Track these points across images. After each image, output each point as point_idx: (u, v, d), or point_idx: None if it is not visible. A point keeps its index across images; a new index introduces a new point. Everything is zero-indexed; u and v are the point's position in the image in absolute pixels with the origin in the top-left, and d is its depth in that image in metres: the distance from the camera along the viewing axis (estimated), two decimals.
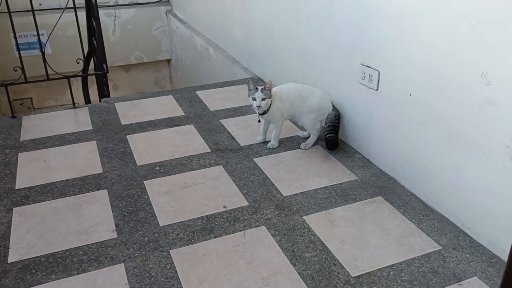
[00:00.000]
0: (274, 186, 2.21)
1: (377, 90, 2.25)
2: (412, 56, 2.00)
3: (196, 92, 3.42)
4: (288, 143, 2.62)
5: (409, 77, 2.04)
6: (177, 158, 2.48)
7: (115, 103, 3.22)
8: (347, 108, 2.53)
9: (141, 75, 6.48)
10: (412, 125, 2.06)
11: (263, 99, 2.33)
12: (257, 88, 2.35)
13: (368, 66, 2.28)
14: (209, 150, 2.57)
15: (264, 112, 2.42)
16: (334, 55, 2.58)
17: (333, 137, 2.49)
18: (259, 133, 2.71)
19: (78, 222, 1.96)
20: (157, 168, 2.40)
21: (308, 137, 2.64)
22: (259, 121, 2.55)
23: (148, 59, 6.26)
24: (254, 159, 2.47)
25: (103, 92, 3.78)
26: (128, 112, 3.08)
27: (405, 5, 1.97)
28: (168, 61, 6.47)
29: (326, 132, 2.51)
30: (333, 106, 2.53)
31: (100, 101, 3.40)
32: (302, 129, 2.71)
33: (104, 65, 3.43)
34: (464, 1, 1.69)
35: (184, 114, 3.04)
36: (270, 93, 2.36)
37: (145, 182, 2.27)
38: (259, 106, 2.34)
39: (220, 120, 2.94)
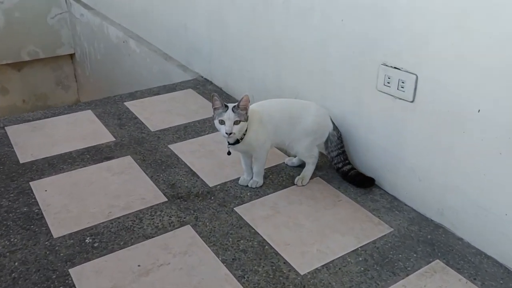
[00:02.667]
0: (280, 258, 1.45)
1: (412, 101, 1.57)
2: (483, 53, 1.34)
3: (125, 103, 2.51)
4: (276, 177, 1.86)
5: (475, 85, 1.38)
6: (118, 218, 1.61)
7: (6, 127, 2.21)
8: (355, 125, 1.83)
9: (38, 74, 5.25)
10: (481, 154, 1.42)
11: (235, 123, 1.59)
12: (226, 106, 1.60)
13: (396, 68, 1.59)
14: (165, 199, 1.72)
15: (237, 141, 1.65)
16: (330, 50, 1.85)
17: (356, 170, 1.81)
18: (228, 162, 1.92)
19: None
20: (87, 240, 1.51)
21: (300, 165, 1.90)
22: (229, 153, 1.75)
23: (45, 55, 5.06)
24: (235, 208, 1.68)
25: None
26: (29, 140, 2.10)
27: None
28: (71, 56, 5.31)
29: (340, 164, 1.81)
30: (333, 123, 1.82)
31: None
32: (289, 154, 1.97)
33: None
34: None
35: (114, 139, 2.14)
36: (246, 113, 1.61)
37: (71, 271, 1.38)
38: (230, 134, 1.59)
39: (169, 146, 2.08)
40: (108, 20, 4.02)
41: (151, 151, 2.04)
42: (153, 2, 3.24)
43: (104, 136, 2.16)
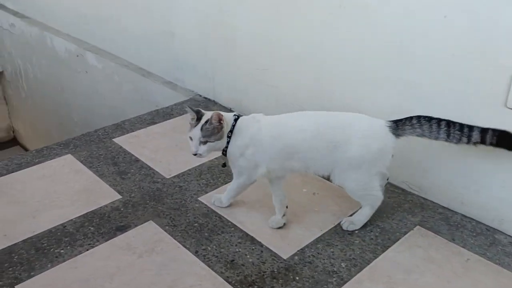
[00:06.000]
0: None
1: None
2: None
3: (114, 139, 1.89)
4: (361, 232, 1.38)
5: None
6: None
7: None
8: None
9: None
10: None
11: (202, 143, 1.30)
12: (200, 118, 1.31)
13: None
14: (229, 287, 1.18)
15: (224, 152, 1.35)
16: (415, 54, 1.40)
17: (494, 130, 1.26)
18: (289, 213, 1.42)
19: None
20: None
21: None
22: (223, 165, 1.45)
23: None
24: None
25: None
26: None
27: None
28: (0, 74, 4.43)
29: (463, 137, 1.26)
30: (396, 129, 1.29)
31: None
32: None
33: None
34: None
35: (120, 196, 1.53)
36: (218, 132, 1.30)
37: None
38: (195, 154, 1.31)
39: (200, 199, 1.52)
40: (52, 30, 3.28)
41: (178, 209, 1.47)
42: (118, 5, 2.61)
43: (104, 193, 1.54)
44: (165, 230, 1.37)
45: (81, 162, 1.72)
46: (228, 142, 1.32)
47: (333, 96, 1.70)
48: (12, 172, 1.66)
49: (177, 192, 1.56)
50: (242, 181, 1.39)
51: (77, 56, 3.03)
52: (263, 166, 1.33)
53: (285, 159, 1.31)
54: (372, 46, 1.52)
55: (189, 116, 1.32)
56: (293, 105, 1.84)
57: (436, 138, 1.26)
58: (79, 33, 3.08)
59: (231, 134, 1.32)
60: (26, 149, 4.58)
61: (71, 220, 1.41)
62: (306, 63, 1.75)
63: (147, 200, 1.51)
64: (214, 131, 1.28)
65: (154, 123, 2.03)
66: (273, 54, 1.86)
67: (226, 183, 1.61)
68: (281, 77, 1.88)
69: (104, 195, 1.53)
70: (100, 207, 1.47)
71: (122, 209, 1.47)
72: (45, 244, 1.31)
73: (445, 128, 1.25)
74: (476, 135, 1.24)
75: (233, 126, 1.32)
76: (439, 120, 1.26)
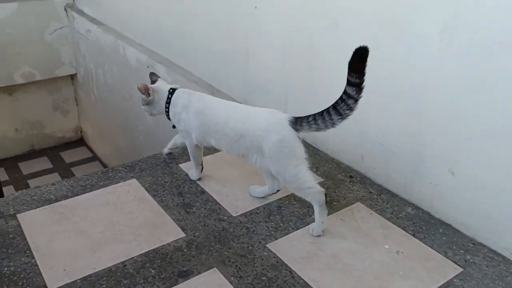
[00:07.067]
0: None
1: None
2: None
3: (180, 165, 1.80)
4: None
5: None
6: None
7: (18, 215, 1.49)
8: None
9: (32, 98, 4.47)
10: None
11: (144, 105, 1.66)
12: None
13: None
14: None
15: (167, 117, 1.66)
16: None
17: None
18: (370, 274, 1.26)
19: None
20: None
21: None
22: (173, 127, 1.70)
23: (41, 76, 4.29)
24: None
25: None
26: (54, 240, 1.38)
27: None
28: (72, 76, 4.56)
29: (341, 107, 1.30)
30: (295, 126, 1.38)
31: None
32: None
33: None
34: None
35: (183, 234, 1.43)
36: (146, 97, 1.62)
37: None
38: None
39: (268, 246, 1.38)
40: (125, 39, 3.30)
41: (245, 256, 1.34)
42: (192, 21, 2.55)
43: (167, 228, 1.45)
44: (230, 282, 1.25)
45: (146, 189, 1.65)
46: (167, 110, 1.59)
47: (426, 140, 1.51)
48: (77, 195, 1.61)
49: (244, 234, 1.43)
50: (188, 142, 1.62)
51: (148, 66, 3.01)
52: (192, 133, 1.56)
53: (204, 134, 1.53)
54: None
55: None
56: (381, 144, 1.67)
57: (333, 125, 1.31)
58: (151, 44, 3.06)
59: (168, 104, 1.58)
60: (91, 150, 4.69)
61: (133, 258, 1.32)
62: (400, 103, 1.57)
63: (212, 241, 1.40)
64: (143, 98, 1.61)
65: None
66: (386, 89, 1.70)
67: (298, 228, 1.46)
68: (367, 113, 1.70)
69: (168, 231, 1.44)
70: (163, 246, 1.37)
71: (185, 250, 1.36)
72: (104, 286, 1.23)
73: (334, 111, 1.29)
74: (351, 90, 1.24)
75: (169, 98, 1.58)
76: (326, 109, 1.31)
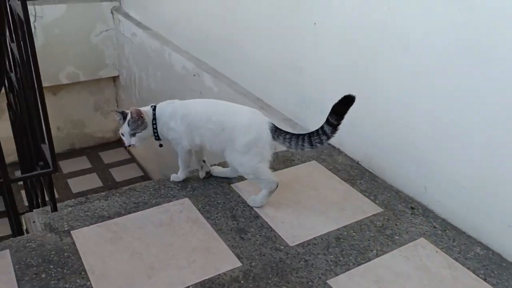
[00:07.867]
0: None
1: None
2: None
3: (232, 185, 1.75)
4: None
5: None
6: None
7: (72, 231, 1.47)
8: None
9: (75, 98, 4.54)
10: None
11: (132, 135, 1.60)
12: (125, 118, 1.59)
13: None
14: None
15: (156, 137, 1.65)
16: None
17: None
18: None
19: None
20: None
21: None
22: (160, 145, 1.73)
23: (85, 77, 4.34)
24: None
25: (37, 195, 2.01)
26: (109, 261, 1.35)
27: None
28: (114, 78, 4.59)
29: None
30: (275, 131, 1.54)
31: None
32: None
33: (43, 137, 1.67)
34: None
35: (240, 264, 1.37)
36: (142, 123, 1.59)
37: None
38: (130, 146, 1.62)
39: (329, 282, 1.31)
40: (171, 45, 3.28)
41: None
42: (244, 32, 2.50)
43: (222, 255, 1.40)
44: None
45: (199, 209, 1.60)
46: (155, 129, 1.60)
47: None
48: (129, 212, 1.58)
49: (303, 268, 1.37)
50: (180, 150, 1.65)
51: (194, 75, 2.99)
52: (184, 139, 1.60)
53: (191, 134, 1.58)
54: None
55: (116, 117, 1.59)
56: (441, 174, 1.58)
57: (302, 149, 1.49)
58: (198, 52, 3.03)
59: (155, 121, 1.59)
60: (129, 152, 4.71)
61: (187, 287, 1.28)
62: (477, 137, 1.48)
63: (269, 273, 1.34)
64: (138, 123, 1.56)
65: (273, 169, 1.86)
66: (426, 114, 1.61)
67: (359, 264, 1.39)
68: (431, 140, 1.62)
69: (223, 258, 1.39)
70: (219, 275, 1.32)
71: (242, 281, 1.31)
72: None
73: (307, 140, 1.46)
74: (327, 129, 1.44)
75: (154, 114, 1.59)
76: (302, 135, 1.48)
